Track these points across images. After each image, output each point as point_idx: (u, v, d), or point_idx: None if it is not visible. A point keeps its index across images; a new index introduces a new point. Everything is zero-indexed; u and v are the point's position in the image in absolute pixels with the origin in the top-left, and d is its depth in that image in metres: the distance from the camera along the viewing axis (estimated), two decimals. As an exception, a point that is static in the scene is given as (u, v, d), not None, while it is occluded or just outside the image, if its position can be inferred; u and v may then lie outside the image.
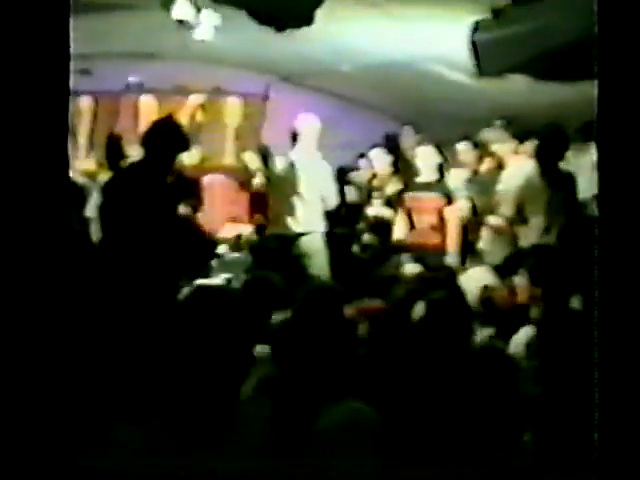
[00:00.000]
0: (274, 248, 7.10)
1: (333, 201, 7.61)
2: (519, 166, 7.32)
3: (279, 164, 7.62)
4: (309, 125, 7.60)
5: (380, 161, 8.64)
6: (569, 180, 6.90)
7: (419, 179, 8.01)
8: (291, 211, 7.44)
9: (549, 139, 6.97)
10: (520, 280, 4.99)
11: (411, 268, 7.15)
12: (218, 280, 6.86)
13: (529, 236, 6.83)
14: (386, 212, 8.20)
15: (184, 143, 5.76)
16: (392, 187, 8.36)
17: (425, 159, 8.01)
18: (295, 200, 7.45)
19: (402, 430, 3.32)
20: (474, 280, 5.32)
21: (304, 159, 7.51)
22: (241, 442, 2.86)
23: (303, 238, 7.43)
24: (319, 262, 7.34)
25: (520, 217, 6.99)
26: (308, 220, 7.44)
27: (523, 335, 4.49)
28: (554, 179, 6.92)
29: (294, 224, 7.44)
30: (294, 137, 7.62)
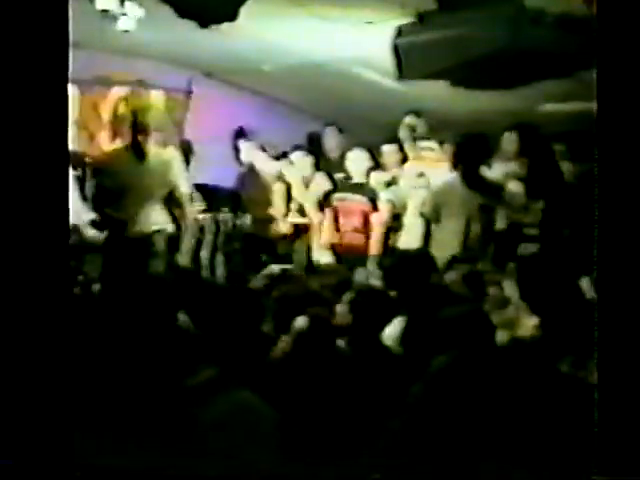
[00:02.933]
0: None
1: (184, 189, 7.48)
2: (437, 170, 7.47)
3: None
4: None
5: (301, 164, 8.68)
6: (491, 188, 7.02)
7: (349, 181, 8.09)
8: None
9: (469, 144, 7.09)
10: None
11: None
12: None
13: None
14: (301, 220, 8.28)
15: None
16: (315, 187, 8.39)
17: (355, 162, 8.09)
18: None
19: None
20: None
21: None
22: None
23: None
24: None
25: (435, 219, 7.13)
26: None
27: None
28: (474, 185, 7.02)
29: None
30: None
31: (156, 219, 7.22)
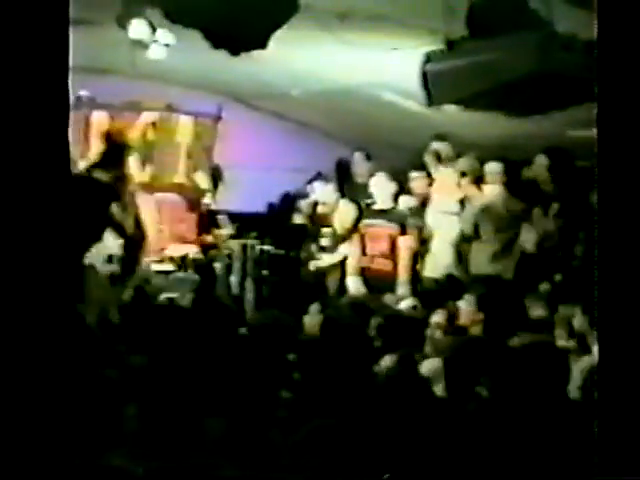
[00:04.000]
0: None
1: None
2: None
3: None
4: None
5: (321, 192, 8.71)
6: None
7: (374, 206, 8.10)
8: None
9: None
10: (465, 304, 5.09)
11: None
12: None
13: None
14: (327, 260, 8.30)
15: None
16: (341, 214, 8.40)
17: (380, 187, 8.10)
18: None
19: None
20: None
21: None
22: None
23: None
24: None
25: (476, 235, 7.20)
26: None
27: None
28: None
29: None
30: None
31: None
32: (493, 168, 7.65)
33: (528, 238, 7.26)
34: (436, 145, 8.35)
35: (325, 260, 8.25)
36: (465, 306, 5.16)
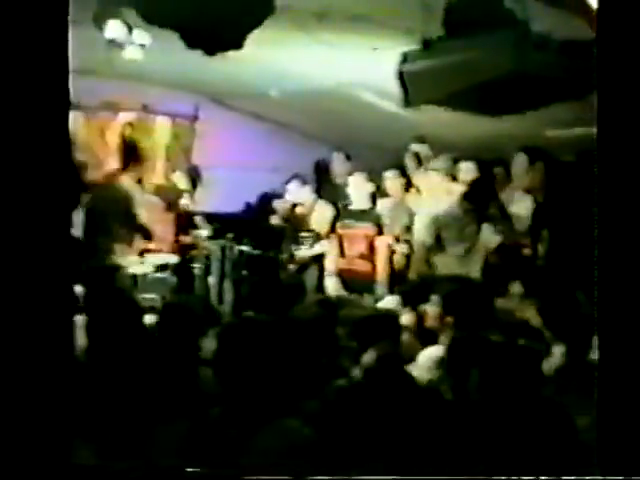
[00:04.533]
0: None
1: None
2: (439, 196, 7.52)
3: None
4: None
5: (298, 193, 8.71)
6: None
7: (351, 207, 8.08)
8: None
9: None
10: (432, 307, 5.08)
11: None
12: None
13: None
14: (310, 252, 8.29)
15: None
16: (318, 215, 8.40)
17: (357, 187, 8.07)
18: None
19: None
20: None
21: None
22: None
23: None
24: None
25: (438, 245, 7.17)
26: None
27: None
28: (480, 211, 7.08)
29: None
30: None
31: None
32: (464, 168, 7.68)
33: (490, 238, 7.26)
34: (415, 147, 8.36)
35: (304, 252, 8.25)
36: (431, 307, 5.14)
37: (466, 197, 7.32)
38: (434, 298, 5.10)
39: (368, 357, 4.03)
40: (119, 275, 7.37)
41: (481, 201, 7.30)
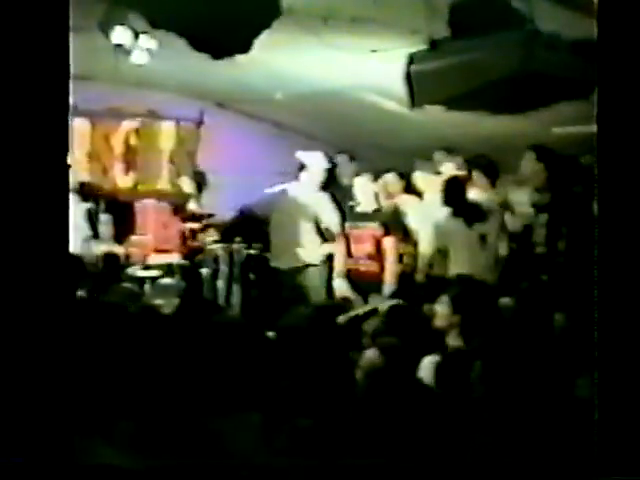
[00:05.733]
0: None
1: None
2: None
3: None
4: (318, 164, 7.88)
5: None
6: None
7: (358, 208, 8.06)
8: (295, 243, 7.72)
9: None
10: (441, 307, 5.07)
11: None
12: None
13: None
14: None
15: None
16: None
17: (363, 188, 8.06)
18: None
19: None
20: None
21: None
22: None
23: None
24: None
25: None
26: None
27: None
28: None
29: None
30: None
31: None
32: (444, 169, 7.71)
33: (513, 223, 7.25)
34: (439, 156, 8.35)
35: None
36: (440, 308, 5.12)
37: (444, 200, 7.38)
38: (443, 298, 5.09)
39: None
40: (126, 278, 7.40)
41: (455, 201, 7.32)
